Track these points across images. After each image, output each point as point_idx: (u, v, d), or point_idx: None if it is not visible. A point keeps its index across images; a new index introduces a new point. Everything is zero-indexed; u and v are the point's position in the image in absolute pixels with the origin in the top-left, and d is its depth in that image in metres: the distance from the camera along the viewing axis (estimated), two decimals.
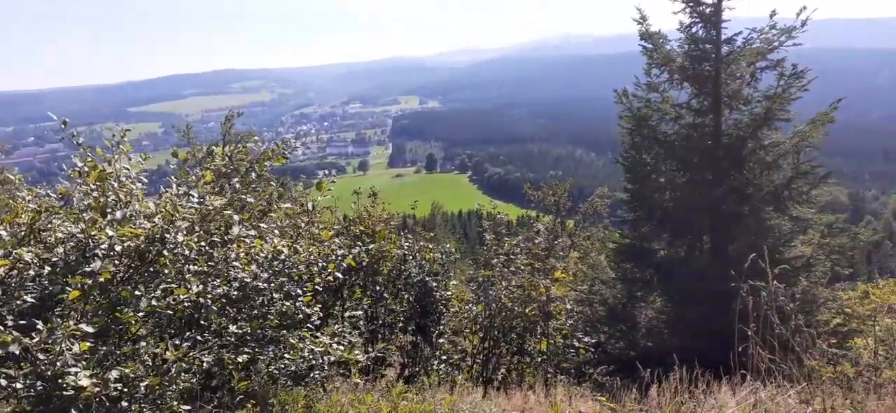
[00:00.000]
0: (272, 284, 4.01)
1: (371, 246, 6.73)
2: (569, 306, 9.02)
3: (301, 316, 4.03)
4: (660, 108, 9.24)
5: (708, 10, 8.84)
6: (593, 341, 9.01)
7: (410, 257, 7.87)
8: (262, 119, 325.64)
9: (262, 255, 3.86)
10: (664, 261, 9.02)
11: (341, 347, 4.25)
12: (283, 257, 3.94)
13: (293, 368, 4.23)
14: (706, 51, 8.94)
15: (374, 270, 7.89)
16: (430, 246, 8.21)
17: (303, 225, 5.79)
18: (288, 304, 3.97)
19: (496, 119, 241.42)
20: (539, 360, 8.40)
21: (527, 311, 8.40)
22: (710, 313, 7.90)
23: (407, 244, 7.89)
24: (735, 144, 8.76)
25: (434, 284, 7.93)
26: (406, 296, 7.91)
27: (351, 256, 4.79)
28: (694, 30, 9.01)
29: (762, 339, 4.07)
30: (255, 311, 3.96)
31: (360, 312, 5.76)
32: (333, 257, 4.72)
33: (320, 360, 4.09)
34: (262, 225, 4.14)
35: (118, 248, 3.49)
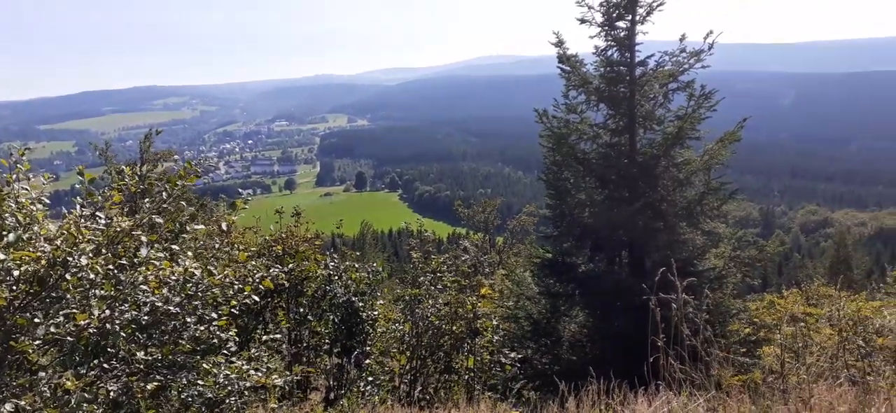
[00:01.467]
0: (185, 308, 3.87)
1: (291, 266, 6.60)
2: (495, 323, 9.11)
3: (216, 341, 3.90)
4: (578, 128, 9.52)
5: (622, 34, 9.20)
6: (519, 356, 9.12)
7: (336, 277, 7.77)
8: (184, 137, 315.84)
9: (173, 278, 3.72)
10: (585, 275, 9.26)
11: (259, 372, 4.13)
12: (196, 280, 3.81)
13: (209, 395, 4.08)
14: (621, 73, 9.29)
15: (297, 292, 7.74)
16: (357, 265, 8.13)
17: (217, 246, 5.63)
18: (202, 328, 3.84)
19: (427, 137, 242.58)
20: (466, 377, 8.44)
21: (454, 328, 8.44)
22: (629, 325, 8.15)
23: (332, 264, 7.78)
24: (649, 162, 9.12)
25: (360, 304, 7.85)
26: (331, 317, 7.80)
27: (268, 278, 4.68)
28: (609, 53, 9.36)
29: (675, 349, 4.22)
30: (167, 337, 3.81)
31: (279, 335, 5.63)
32: (250, 279, 4.60)
33: (237, 386, 3.97)
34: (173, 247, 4.00)
35: (15, 273, 3.29)
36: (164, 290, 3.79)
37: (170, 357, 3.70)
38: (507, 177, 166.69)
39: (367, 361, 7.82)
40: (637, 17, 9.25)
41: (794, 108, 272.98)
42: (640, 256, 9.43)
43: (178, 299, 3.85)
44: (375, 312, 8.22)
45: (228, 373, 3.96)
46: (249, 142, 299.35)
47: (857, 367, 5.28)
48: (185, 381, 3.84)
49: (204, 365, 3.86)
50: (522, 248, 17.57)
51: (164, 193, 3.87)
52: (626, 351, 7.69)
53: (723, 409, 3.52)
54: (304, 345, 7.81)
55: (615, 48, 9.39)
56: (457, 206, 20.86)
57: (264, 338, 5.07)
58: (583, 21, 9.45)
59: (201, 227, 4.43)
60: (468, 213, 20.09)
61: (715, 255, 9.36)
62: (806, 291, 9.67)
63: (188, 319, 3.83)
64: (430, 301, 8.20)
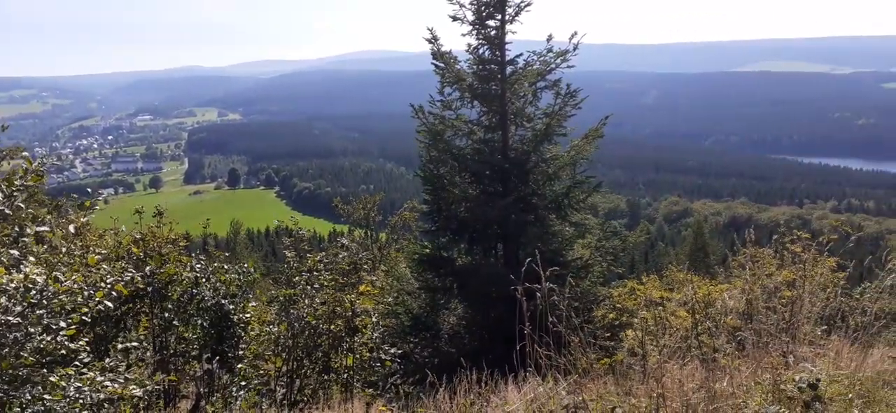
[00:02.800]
0: (28, 318, 3.53)
1: (151, 270, 6.22)
2: (375, 319, 9.07)
3: (64, 352, 3.59)
4: (454, 124, 9.69)
5: (492, 33, 9.46)
6: (400, 352, 9.14)
7: (203, 280, 7.40)
8: (35, 133, 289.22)
9: (12, 285, 3.37)
10: (462, 268, 9.45)
11: (116, 383, 3.86)
12: (39, 287, 3.48)
13: (57, 410, 3.75)
14: (492, 71, 9.55)
15: (162, 296, 7.30)
16: (226, 266, 7.78)
17: (65, 250, 5.19)
18: (47, 339, 3.52)
19: (304, 132, 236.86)
20: (345, 375, 8.33)
21: (332, 327, 8.30)
22: (504, 316, 8.41)
23: (199, 266, 7.40)
24: (520, 158, 9.45)
25: (231, 307, 7.52)
26: (199, 321, 7.42)
27: (122, 283, 4.36)
28: (481, 51, 9.59)
29: (540, 337, 4.38)
30: (7, 349, 3.46)
31: (136, 343, 5.29)
32: (103, 285, 4.26)
33: (89, 399, 3.68)
34: (13, 251, 3.63)
35: None
36: (2, 300, 3.44)
37: (10, 371, 3.36)
38: (389, 173, 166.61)
39: (240, 365, 7.52)
40: (506, 17, 9.54)
41: (657, 106, 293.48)
42: (514, 248, 9.75)
43: (19, 309, 3.50)
44: (248, 315, 7.91)
45: (80, 385, 3.66)
46: (109, 137, 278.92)
47: (707, 345, 5.75)
48: (28, 397, 3.50)
49: (51, 378, 3.54)
50: (404, 244, 17.63)
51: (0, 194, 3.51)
52: (502, 340, 7.94)
53: (584, 391, 3.71)
54: (171, 352, 7.38)
55: (486, 46, 9.63)
56: (336, 203, 20.53)
57: (120, 346, 4.72)
58: (455, 18, 9.61)
59: (45, 229, 4.04)
60: (348, 210, 19.86)
61: (582, 246, 9.86)
62: (665, 277, 10.44)
63: (32, 330, 3.50)
64: (306, 301, 8.02)
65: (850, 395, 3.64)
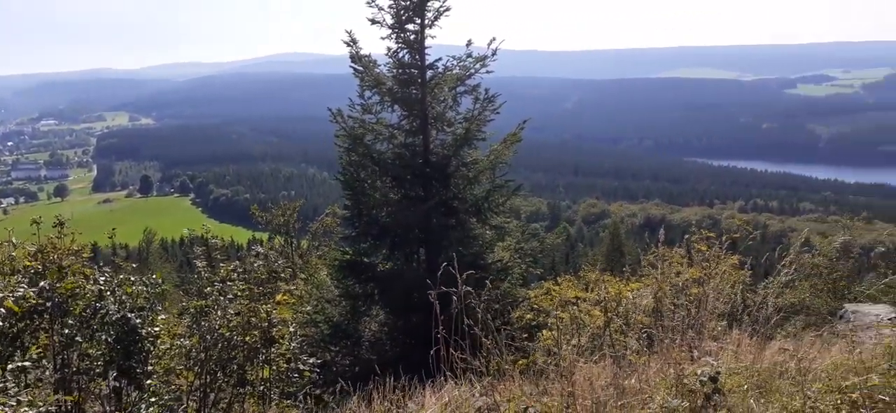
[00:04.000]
0: None
1: (47, 284, 5.85)
2: (292, 329, 8.86)
3: None
4: (374, 128, 9.63)
5: (412, 37, 9.47)
6: (319, 361, 8.97)
7: (108, 293, 7.02)
8: None
9: None
10: (383, 274, 9.39)
11: (8, 406, 3.59)
12: None
13: None
14: (412, 75, 9.55)
15: (63, 311, 6.89)
16: (133, 278, 7.42)
17: None
18: None
19: (221, 137, 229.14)
20: (261, 387, 8.11)
21: (247, 339, 8.05)
22: (426, 321, 8.39)
23: (103, 278, 7.02)
24: (441, 162, 9.49)
25: (138, 321, 7.17)
26: (104, 337, 7.03)
27: (12, 299, 4.07)
28: (400, 55, 9.58)
29: (456, 341, 4.40)
30: None
31: (28, 362, 4.95)
32: None
33: None
34: None
35: None
36: None
37: None
38: (311, 178, 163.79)
39: (150, 381, 7.18)
40: (426, 21, 9.56)
41: (577, 111, 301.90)
42: (435, 253, 9.77)
43: None
44: (157, 328, 7.57)
45: None
46: (9, 143, 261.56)
47: (619, 343, 5.93)
48: None
49: None
50: (325, 251, 17.35)
51: None
52: (423, 346, 7.91)
53: (497, 392, 3.74)
54: (73, 370, 6.96)
55: (406, 50, 9.63)
56: (253, 209, 19.96)
57: (10, 366, 4.40)
58: (374, 22, 9.56)
59: None
60: (267, 217, 19.35)
61: (503, 248, 9.99)
62: (581, 277, 10.70)
63: None
64: (218, 312, 7.75)
65: (747, 387, 3.83)
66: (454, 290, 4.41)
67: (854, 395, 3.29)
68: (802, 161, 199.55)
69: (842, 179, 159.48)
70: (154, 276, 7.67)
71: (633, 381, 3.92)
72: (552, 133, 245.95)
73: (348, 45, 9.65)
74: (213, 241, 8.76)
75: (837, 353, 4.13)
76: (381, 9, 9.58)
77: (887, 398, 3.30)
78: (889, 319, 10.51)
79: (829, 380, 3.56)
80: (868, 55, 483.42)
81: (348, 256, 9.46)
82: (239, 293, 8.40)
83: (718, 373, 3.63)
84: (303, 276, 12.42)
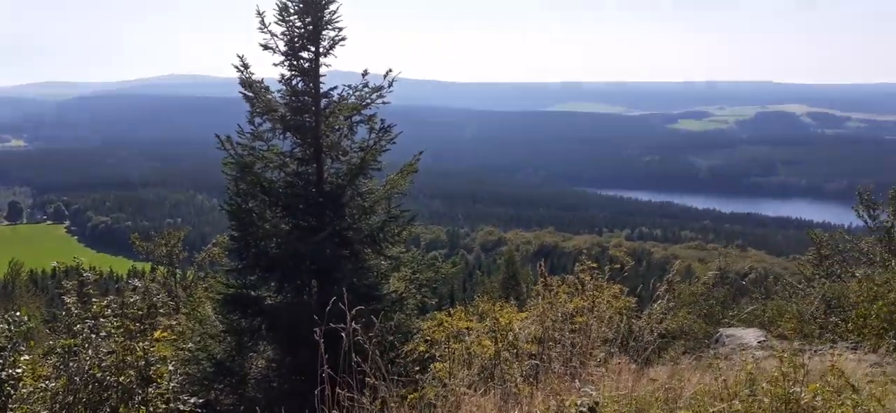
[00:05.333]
0: None
1: None
2: (172, 367, 8.36)
3: None
4: (265, 155, 9.36)
5: (306, 65, 9.33)
6: (201, 401, 8.50)
7: None
8: None
9: None
10: (272, 308, 9.06)
11: None
12: None
13: None
14: (306, 103, 9.39)
15: None
16: None
17: None
18: None
19: (101, 161, 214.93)
20: None
21: (121, 379, 7.51)
22: (317, 357, 8.17)
23: None
24: (335, 192, 9.35)
25: None
26: None
27: None
28: (294, 82, 9.40)
29: (347, 377, 4.29)
30: None
31: None
32: None
33: None
34: None
35: None
36: None
37: None
38: (199, 205, 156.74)
39: None
40: (321, 49, 9.47)
41: (475, 141, 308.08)
42: (328, 285, 9.56)
43: None
44: (19, 369, 6.93)
45: None
46: None
47: (508, 374, 6.00)
48: None
49: None
50: (211, 283, 16.59)
51: None
52: (313, 383, 7.67)
53: None
54: None
55: (300, 78, 9.47)
56: (133, 238, 18.81)
57: None
58: (266, 48, 9.36)
59: None
60: (148, 247, 18.28)
61: (398, 279, 9.93)
62: (472, 307, 10.81)
63: None
64: (90, 351, 7.19)
65: None
66: (342, 326, 4.32)
67: None
68: (683, 191, 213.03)
69: (718, 209, 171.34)
70: (18, 313, 7.04)
71: (516, 412, 3.97)
72: (452, 162, 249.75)
73: (239, 70, 9.38)
74: (86, 273, 8.13)
75: (704, 379, 4.36)
76: (274, 35, 9.40)
77: None
78: (758, 342, 11.29)
79: (698, 406, 3.75)
80: (741, 93, 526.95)
81: (233, 289, 9.06)
82: (113, 330, 7.85)
83: (597, 402, 3.74)
84: (185, 310, 11.80)
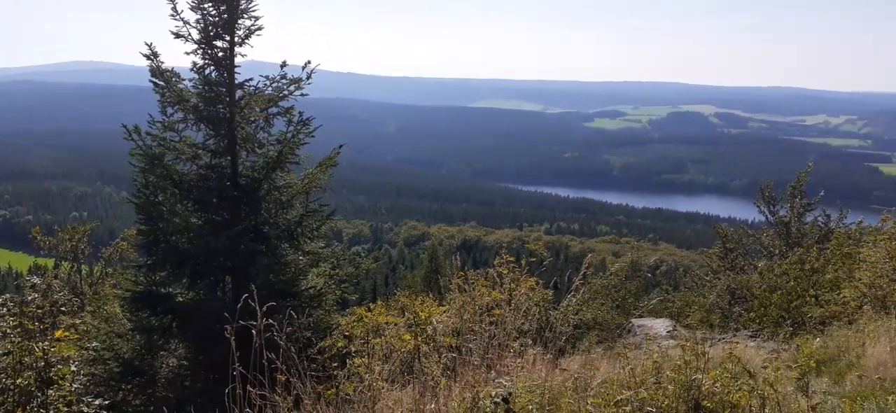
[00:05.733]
0: None
1: None
2: (75, 368, 7.93)
3: None
4: (176, 147, 9.00)
5: (220, 54, 9.03)
6: (106, 402, 8.11)
7: None
8: None
9: None
10: (183, 306, 8.73)
11: None
12: None
13: None
14: (220, 94, 9.09)
15: None
16: None
17: None
18: None
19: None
20: None
21: (19, 381, 7.07)
22: (234, 353, 7.94)
23: None
24: (251, 185, 9.10)
25: None
26: None
27: None
28: (207, 72, 9.08)
29: (259, 375, 4.20)
30: None
31: None
32: None
33: None
34: None
35: None
36: None
37: None
38: (107, 198, 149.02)
39: None
40: (236, 39, 9.19)
41: (398, 136, 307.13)
42: (243, 281, 9.30)
43: None
44: None
45: None
46: None
47: (426, 368, 6.02)
48: None
49: None
50: (119, 280, 15.84)
51: None
52: (227, 381, 7.45)
53: None
54: None
55: (214, 67, 9.15)
56: (34, 233, 17.69)
57: None
58: (178, 35, 9.01)
59: None
60: (51, 242, 17.23)
61: (316, 274, 9.78)
62: (393, 301, 10.79)
63: None
64: None
65: (537, 404, 4.06)
66: (253, 323, 4.21)
67: (627, 409, 3.61)
68: (599, 187, 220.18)
69: (631, 205, 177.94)
70: None
71: (433, 405, 3.99)
72: (375, 155, 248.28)
73: (148, 58, 8.96)
74: None
75: (613, 368, 4.52)
76: (186, 23, 9.04)
77: (655, 410, 3.67)
78: (668, 332, 11.82)
79: (606, 393, 3.89)
80: (654, 94, 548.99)
81: (142, 286, 8.67)
82: (9, 330, 7.37)
83: (511, 393, 3.81)
84: (91, 308, 11.21)
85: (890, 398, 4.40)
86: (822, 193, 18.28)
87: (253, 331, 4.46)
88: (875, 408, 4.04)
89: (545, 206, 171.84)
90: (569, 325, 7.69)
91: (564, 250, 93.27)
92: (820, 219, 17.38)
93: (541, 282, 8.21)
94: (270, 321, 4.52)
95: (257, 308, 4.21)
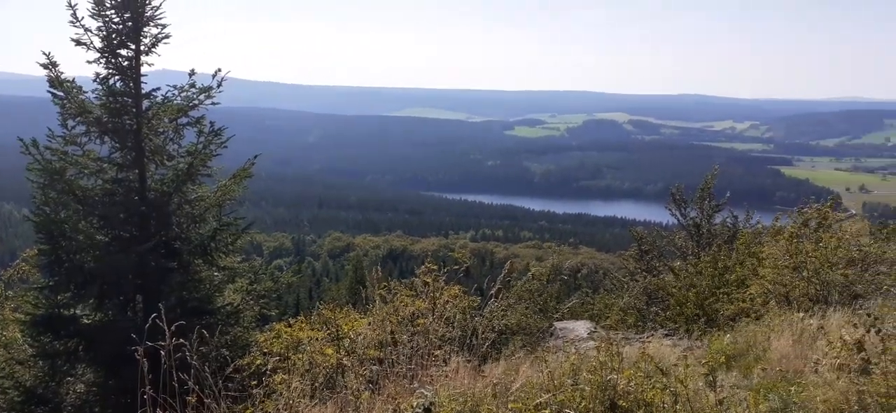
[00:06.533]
0: None
1: None
2: None
3: None
4: (78, 161, 8.50)
5: (125, 63, 8.62)
6: None
7: None
8: None
9: None
10: (90, 328, 8.24)
11: None
12: None
13: None
14: (126, 104, 8.67)
15: None
16: None
17: None
18: None
19: None
20: None
21: None
22: (143, 376, 7.56)
23: None
24: (161, 199, 8.71)
25: None
26: None
27: None
28: (112, 82, 8.64)
29: (169, 399, 4.00)
30: None
31: None
32: None
33: None
34: None
35: None
36: None
37: None
38: (7, 215, 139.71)
39: None
40: (142, 47, 8.79)
41: (320, 145, 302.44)
42: (155, 300, 8.88)
43: None
44: None
45: None
46: None
47: (349, 383, 5.92)
48: None
49: None
50: (20, 303, 14.80)
51: None
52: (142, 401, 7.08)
53: None
54: None
55: (118, 77, 8.72)
56: None
57: None
58: (79, 43, 8.53)
59: None
60: None
61: (233, 290, 9.46)
62: (314, 315, 10.55)
63: None
64: None
65: (460, 411, 4.05)
66: (161, 344, 4.01)
67: (546, 411, 3.65)
68: (522, 194, 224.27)
69: (553, 210, 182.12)
70: None
71: None
72: (297, 166, 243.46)
73: (46, 67, 8.44)
74: None
75: (533, 372, 4.57)
76: (87, 30, 8.57)
77: (573, 411, 3.72)
78: (588, 333, 12.10)
79: (526, 397, 3.92)
80: (571, 102, 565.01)
81: (43, 309, 8.12)
82: None
83: (433, 403, 3.77)
84: None
85: (792, 389, 4.64)
86: (728, 195, 19.24)
87: (168, 351, 4.25)
88: (777, 399, 4.24)
89: (470, 213, 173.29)
90: (493, 331, 7.75)
91: (490, 257, 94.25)
92: (728, 219, 18.27)
93: (466, 289, 8.25)
94: (181, 341, 4.33)
95: (166, 327, 4.01)
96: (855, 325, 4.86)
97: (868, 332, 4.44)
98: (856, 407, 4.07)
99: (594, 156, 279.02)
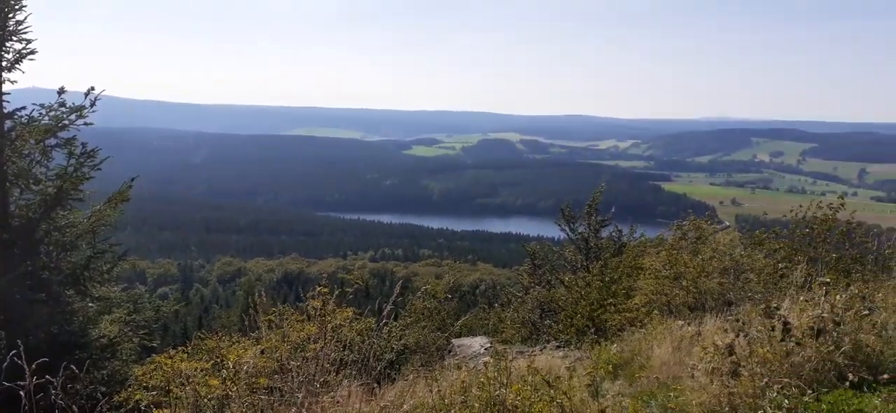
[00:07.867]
0: None
1: None
2: None
3: None
4: None
5: None
6: None
7: None
8: None
9: None
10: None
11: None
12: None
13: None
14: None
15: None
16: None
17: None
18: None
19: None
20: None
21: None
22: None
23: None
24: (26, 227, 8.05)
25: None
26: None
27: None
28: None
29: None
30: None
31: None
32: None
33: None
34: None
35: None
36: None
37: None
38: None
39: None
40: (4, 63, 8.13)
41: (207, 165, 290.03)
42: (20, 334, 8.15)
43: None
44: None
45: None
46: None
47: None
48: None
49: None
50: None
51: None
52: None
53: None
54: None
55: None
56: None
57: None
58: None
59: None
60: None
61: (109, 322, 8.86)
62: (198, 345, 10.02)
63: None
64: None
65: None
66: (20, 384, 3.66)
67: None
68: (420, 212, 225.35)
69: (451, 228, 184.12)
70: None
71: None
72: (183, 188, 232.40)
73: None
74: None
75: (424, 392, 4.56)
76: None
77: None
78: (484, 349, 12.24)
79: None
80: (465, 123, 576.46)
81: None
82: None
83: None
84: None
85: (671, 393, 4.88)
86: (613, 210, 20.26)
87: (30, 390, 3.89)
88: (656, 405, 4.45)
89: (370, 233, 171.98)
90: (391, 352, 7.67)
91: (390, 276, 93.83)
92: (614, 234, 19.20)
93: (361, 311, 8.11)
94: (47, 378, 3.97)
95: (25, 365, 3.67)
96: (726, 331, 5.19)
97: (737, 336, 4.75)
98: (726, 408, 4.34)
99: (490, 174, 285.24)
